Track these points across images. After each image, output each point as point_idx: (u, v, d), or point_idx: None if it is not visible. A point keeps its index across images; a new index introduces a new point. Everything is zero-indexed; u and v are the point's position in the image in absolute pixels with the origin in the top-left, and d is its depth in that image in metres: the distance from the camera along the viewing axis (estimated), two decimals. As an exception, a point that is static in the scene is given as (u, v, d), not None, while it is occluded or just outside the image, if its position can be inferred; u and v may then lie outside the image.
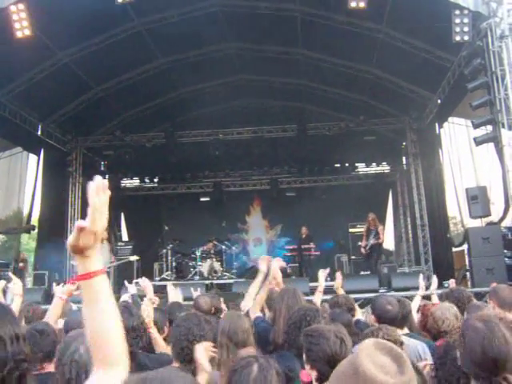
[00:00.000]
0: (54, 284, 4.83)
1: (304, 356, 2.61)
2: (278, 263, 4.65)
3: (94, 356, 1.26)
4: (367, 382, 1.20)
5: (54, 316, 4.01)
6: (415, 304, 5.19)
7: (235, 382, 2.04)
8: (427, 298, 5.65)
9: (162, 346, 3.76)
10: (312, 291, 9.19)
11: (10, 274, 4.83)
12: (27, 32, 9.90)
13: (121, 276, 12.82)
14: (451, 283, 7.00)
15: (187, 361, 2.88)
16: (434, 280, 5.65)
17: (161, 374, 1.10)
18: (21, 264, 13.54)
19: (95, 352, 1.26)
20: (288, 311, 3.68)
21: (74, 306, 4.62)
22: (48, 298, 9.49)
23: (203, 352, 2.82)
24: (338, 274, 5.87)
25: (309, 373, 2.55)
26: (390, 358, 1.24)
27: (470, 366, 2.07)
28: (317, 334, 2.61)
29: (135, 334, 3.25)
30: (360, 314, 5.07)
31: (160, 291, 7.16)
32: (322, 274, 5.59)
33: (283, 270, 5.18)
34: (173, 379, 1.08)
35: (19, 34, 9.90)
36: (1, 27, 9.94)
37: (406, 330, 3.94)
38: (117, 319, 1.30)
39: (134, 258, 13.24)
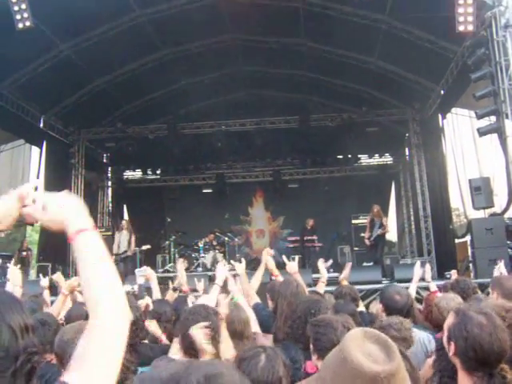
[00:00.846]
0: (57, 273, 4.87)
1: (311, 346, 2.61)
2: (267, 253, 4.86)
3: (88, 309, 1.26)
4: (355, 370, 1.21)
5: (55, 310, 4.03)
6: (411, 293, 5.17)
7: (243, 371, 2.05)
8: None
9: (161, 339, 3.75)
10: (315, 282, 9.21)
11: (9, 264, 4.82)
12: (28, 23, 9.83)
13: (124, 266, 12.91)
14: (453, 274, 6.98)
15: (197, 355, 2.85)
16: (428, 269, 5.62)
17: (205, 363, 1.09)
18: (24, 253, 13.57)
19: (87, 305, 1.27)
20: (290, 304, 3.68)
21: (80, 298, 4.63)
22: (51, 289, 9.49)
23: (200, 334, 2.79)
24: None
25: (315, 363, 2.56)
26: (379, 346, 1.24)
27: (470, 361, 2.04)
28: (324, 324, 2.65)
29: (135, 327, 3.27)
30: (361, 307, 5.07)
31: (163, 283, 7.17)
32: (322, 264, 5.60)
33: (282, 262, 5.25)
34: (219, 368, 1.07)
35: (20, 25, 9.84)
36: (2, 18, 9.89)
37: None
38: (104, 273, 1.29)
39: (145, 246, 13.36)
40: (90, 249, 1.30)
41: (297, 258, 4.99)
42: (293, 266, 4.92)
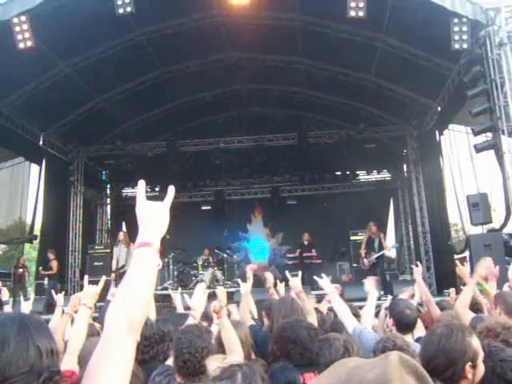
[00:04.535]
0: (53, 292, 4.78)
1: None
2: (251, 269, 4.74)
3: (115, 320, 1.29)
4: None
5: (59, 333, 3.66)
6: None
7: None
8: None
9: None
10: (316, 300, 9.17)
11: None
12: (29, 43, 9.96)
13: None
14: (451, 292, 6.97)
15: (191, 374, 2.85)
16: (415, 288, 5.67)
17: None
18: (20, 270, 13.47)
19: (118, 316, 1.29)
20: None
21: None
22: (50, 307, 9.48)
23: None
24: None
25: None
26: (415, 378, 1.13)
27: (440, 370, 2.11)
28: (324, 339, 2.78)
29: (147, 343, 3.31)
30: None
31: (160, 300, 7.16)
32: (325, 281, 5.05)
33: (282, 278, 5.18)
34: None
35: (21, 46, 9.96)
36: (3, 39, 10.02)
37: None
38: (147, 290, 1.37)
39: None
40: (141, 264, 1.43)
41: (300, 273, 4.62)
42: (295, 281, 4.44)
